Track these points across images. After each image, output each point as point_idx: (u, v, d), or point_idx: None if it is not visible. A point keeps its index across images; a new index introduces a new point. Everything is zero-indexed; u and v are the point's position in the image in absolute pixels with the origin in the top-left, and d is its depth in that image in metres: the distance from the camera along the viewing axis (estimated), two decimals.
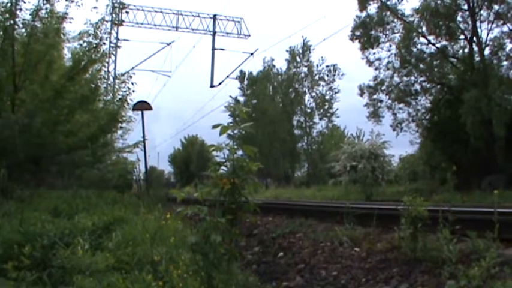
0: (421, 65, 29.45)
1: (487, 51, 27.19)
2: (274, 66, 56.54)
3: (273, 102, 54.89)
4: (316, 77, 54.91)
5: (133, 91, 18.66)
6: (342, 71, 54.21)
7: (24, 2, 14.91)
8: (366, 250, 6.96)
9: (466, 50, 28.69)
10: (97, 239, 6.88)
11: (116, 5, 18.09)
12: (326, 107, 54.89)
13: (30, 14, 15.00)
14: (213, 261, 4.51)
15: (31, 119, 14.49)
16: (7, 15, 14.69)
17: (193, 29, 37.92)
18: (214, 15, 38.39)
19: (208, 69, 38.14)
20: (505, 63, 27.20)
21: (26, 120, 14.25)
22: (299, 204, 17.11)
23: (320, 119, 55.38)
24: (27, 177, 15.88)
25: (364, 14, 30.14)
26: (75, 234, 6.66)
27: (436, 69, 29.63)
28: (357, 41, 30.86)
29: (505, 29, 26.97)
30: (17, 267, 4.93)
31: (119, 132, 22.96)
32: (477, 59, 27.02)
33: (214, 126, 4.92)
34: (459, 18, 28.38)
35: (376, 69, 31.43)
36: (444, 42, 29.16)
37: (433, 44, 29.21)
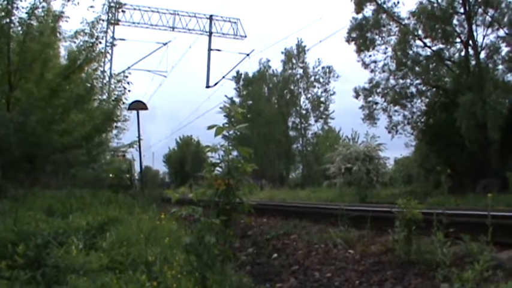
0: (417, 68, 29.54)
1: (482, 55, 27.34)
2: (269, 67, 56.65)
3: (269, 103, 54.94)
4: (312, 79, 55.01)
5: (129, 91, 18.64)
6: (337, 73, 54.38)
7: (21, 1, 14.90)
8: (360, 252, 6.97)
9: (462, 54, 28.78)
10: (91, 239, 6.87)
11: (112, 4, 18.07)
12: (321, 108, 54.98)
13: (26, 13, 14.96)
14: (207, 262, 4.51)
15: (26, 118, 14.45)
16: (3, 14, 14.65)
17: (189, 29, 37.92)
18: (211, 16, 38.39)
19: (204, 69, 38.07)
20: (500, 67, 27.34)
21: (21, 118, 14.21)
22: (293, 205, 17.10)
23: (315, 120, 55.53)
24: (21, 176, 15.85)
25: (360, 16, 30.23)
26: (70, 233, 6.64)
27: (431, 72, 29.71)
28: (353, 43, 30.93)
29: (501, 33, 27.11)
30: (10, 266, 4.92)
31: (114, 131, 22.91)
32: (473, 62, 27.08)
33: (210, 127, 4.93)
34: (455, 22, 28.47)
35: (371, 71, 31.53)
36: (440, 46, 29.25)
37: (429, 47, 29.32)
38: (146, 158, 62.74)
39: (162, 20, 37.30)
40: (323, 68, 54.58)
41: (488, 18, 26.96)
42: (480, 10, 27.14)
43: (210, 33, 38.26)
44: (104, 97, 20.09)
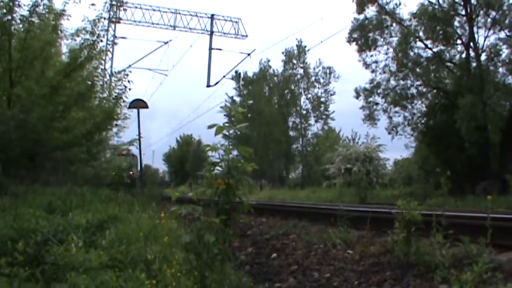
0: (418, 69, 29.48)
1: (483, 57, 27.30)
2: (270, 67, 56.63)
3: (269, 103, 54.94)
4: (312, 79, 55.04)
5: (130, 89, 18.63)
6: (337, 74, 54.43)
7: None
8: (359, 253, 6.97)
9: (463, 56, 28.76)
10: (91, 237, 6.88)
11: (114, 2, 18.07)
12: (322, 109, 55.01)
13: (27, 10, 14.97)
14: (207, 261, 4.52)
15: (27, 115, 14.47)
16: (5, 11, 14.66)
17: (190, 29, 37.91)
18: (212, 15, 38.38)
19: (205, 68, 38.10)
20: (501, 69, 27.29)
21: (22, 115, 14.22)
22: (293, 205, 17.10)
23: (315, 121, 55.56)
24: (22, 173, 15.87)
25: (362, 16, 30.21)
26: (69, 231, 6.66)
27: (432, 74, 29.68)
28: (354, 43, 30.92)
29: (502, 35, 27.07)
30: (10, 263, 4.93)
31: (114, 129, 22.91)
32: (473, 64, 27.06)
33: (210, 127, 4.93)
34: (456, 24, 28.44)
35: (372, 71, 31.46)
36: (441, 47, 29.22)
37: (430, 49, 29.29)
38: (146, 156, 62.90)
39: (163, 18, 37.32)
40: (324, 68, 54.71)
41: (489, 20, 26.94)
42: (481, 12, 27.12)
43: (211, 33, 38.25)
44: (105, 95, 20.06)
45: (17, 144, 14.16)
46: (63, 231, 6.68)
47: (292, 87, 56.03)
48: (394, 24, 30.19)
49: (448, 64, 29.47)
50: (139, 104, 21.76)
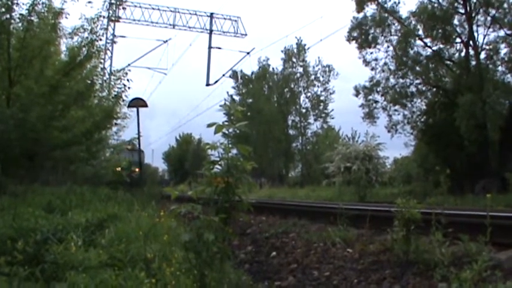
0: (417, 68, 29.47)
1: (482, 55, 27.29)
2: (269, 65, 56.55)
3: (269, 101, 54.84)
4: (312, 78, 54.99)
5: (129, 88, 18.62)
6: (336, 71, 54.35)
7: None
8: (359, 251, 6.97)
9: (462, 54, 28.75)
10: (90, 236, 6.88)
11: (113, 1, 18.06)
12: (321, 107, 54.96)
13: (26, 9, 14.97)
14: (206, 259, 4.52)
15: (26, 114, 14.46)
16: (3, 10, 14.65)
17: (190, 27, 37.92)
18: (211, 14, 38.38)
19: (204, 67, 38.10)
20: (500, 67, 27.29)
21: (21, 114, 14.22)
22: (292, 204, 17.11)
23: (315, 119, 55.49)
24: (21, 172, 15.87)
25: (361, 15, 30.19)
26: (69, 230, 6.66)
27: (432, 72, 29.66)
28: (353, 42, 30.89)
29: (501, 33, 27.06)
30: (9, 263, 4.93)
31: (114, 128, 22.92)
32: (473, 62, 27.06)
33: (209, 125, 4.93)
34: (456, 22, 28.44)
35: (372, 69, 31.42)
36: (440, 45, 29.22)
37: (430, 47, 29.28)
38: (146, 155, 62.79)
39: (162, 17, 37.32)
40: (323, 66, 54.63)
41: (489, 18, 26.94)
42: (481, 10, 27.11)
43: (211, 31, 38.25)
44: (104, 94, 20.07)
45: (16, 143, 14.17)
46: (62, 230, 6.69)
47: (292, 86, 55.92)
48: (394, 22, 30.17)
49: (448, 62, 29.45)
50: (138, 103, 21.77)
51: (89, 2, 16.08)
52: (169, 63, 57.79)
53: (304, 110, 55.66)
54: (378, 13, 29.82)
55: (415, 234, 6.00)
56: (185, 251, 4.70)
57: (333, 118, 55.32)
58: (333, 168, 28.95)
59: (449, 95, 27.60)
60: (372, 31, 30.34)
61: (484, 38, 27.35)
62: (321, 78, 54.71)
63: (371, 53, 31.20)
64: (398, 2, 29.41)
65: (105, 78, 21.19)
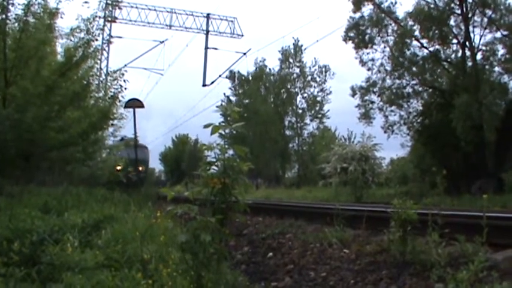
0: (414, 68, 29.55)
1: (479, 56, 27.37)
2: (266, 66, 56.58)
3: (265, 102, 54.87)
4: (309, 78, 55.04)
5: (125, 88, 18.58)
6: (333, 72, 54.43)
7: None
8: (355, 252, 6.97)
9: (459, 55, 28.82)
10: (87, 236, 6.88)
11: (109, 1, 18.02)
12: (317, 108, 55.02)
13: (22, 9, 14.93)
14: (203, 260, 4.52)
15: (22, 115, 14.42)
16: None
17: (186, 28, 37.97)
18: (208, 14, 38.45)
19: (201, 68, 38.15)
20: (496, 68, 27.36)
21: (17, 115, 14.18)
22: (289, 205, 17.10)
23: (311, 120, 55.54)
24: (17, 173, 15.83)
25: (358, 15, 30.25)
26: (65, 231, 6.65)
27: (428, 73, 29.73)
28: (350, 42, 30.94)
29: (498, 34, 27.14)
30: (5, 263, 4.92)
31: (110, 129, 22.87)
32: (469, 63, 27.13)
33: (206, 126, 4.93)
34: (452, 23, 28.53)
35: (368, 69, 31.50)
36: (437, 46, 29.30)
37: (426, 48, 29.35)
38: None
39: (159, 18, 37.38)
40: (320, 67, 54.68)
41: (485, 19, 27.00)
42: (477, 11, 27.17)
43: (207, 32, 38.31)
44: (100, 95, 20.02)
45: (12, 144, 14.13)
46: (58, 231, 6.67)
47: (289, 87, 56.00)
48: (390, 23, 30.23)
49: (444, 63, 29.54)
50: (135, 104, 21.80)
51: (86, 2, 16.07)
52: (165, 64, 57.70)
53: (300, 111, 55.74)
54: (374, 13, 29.88)
55: (412, 234, 6.00)
56: (182, 251, 4.69)
57: (328, 118, 55.52)
58: (330, 168, 28.97)
59: (446, 96, 27.67)
60: (368, 31, 30.41)
61: (480, 39, 27.49)
62: (318, 79, 54.86)
63: (367, 53, 31.32)
64: (395, 2, 29.50)
65: (101, 78, 21.16)
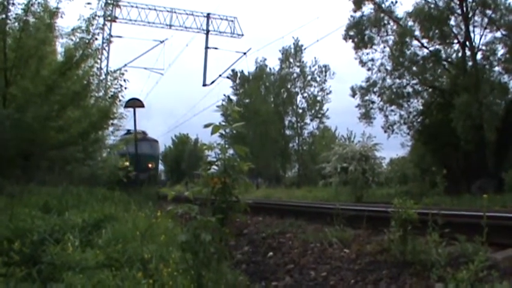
0: (414, 68, 29.55)
1: (479, 56, 27.37)
2: (266, 66, 56.58)
3: (265, 102, 54.85)
4: (309, 78, 55.02)
5: (126, 88, 18.59)
6: (333, 71, 54.43)
7: None
8: (356, 252, 6.97)
9: (459, 54, 28.82)
10: (87, 236, 6.87)
11: (109, 1, 18.02)
12: (317, 107, 55.00)
13: (22, 9, 14.94)
14: (203, 260, 4.52)
15: (22, 114, 14.42)
16: None
17: (186, 27, 37.97)
18: (208, 14, 38.46)
19: (201, 67, 38.17)
20: (496, 68, 27.35)
21: (17, 115, 14.18)
22: (289, 204, 17.09)
23: (311, 119, 55.52)
24: (17, 172, 15.82)
25: (358, 14, 30.26)
26: (65, 230, 6.64)
27: (428, 73, 29.73)
28: (350, 40, 30.94)
29: (498, 34, 27.14)
30: (6, 263, 4.91)
31: (110, 128, 22.87)
32: (469, 63, 27.12)
33: (206, 126, 4.94)
34: (452, 23, 28.54)
35: (368, 70, 31.52)
36: (437, 46, 29.30)
37: (426, 47, 29.34)
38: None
39: (159, 17, 37.38)
40: (320, 67, 54.66)
41: (485, 19, 27.00)
42: (478, 11, 27.16)
43: (207, 32, 38.32)
44: (101, 94, 20.03)
45: (12, 143, 14.13)
46: (59, 230, 6.67)
47: (289, 86, 55.96)
48: (390, 23, 30.24)
49: (444, 63, 29.53)
50: (135, 103, 21.82)
51: (88, 4, 16.09)
52: (166, 64, 57.70)
53: (300, 111, 55.71)
54: (374, 13, 29.88)
55: (412, 234, 6.00)
56: (182, 251, 4.70)
57: (328, 118, 55.45)
58: (330, 168, 28.97)
59: (446, 96, 27.68)
60: (368, 31, 30.40)
61: (480, 39, 27.48)
62: (318, 79, 54.81)
63: (367, 53, 31.30)
64: (396, 2, 29.49)
65: (101, 78, 21.16)
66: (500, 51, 27.25)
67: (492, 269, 4.85)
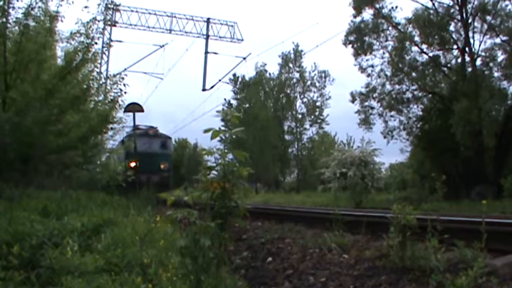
0: (414, 74, 29.56)
1: (479, 62, 27.36)
2: (266, 71, 56.62)
3: (265, 107, 54.88)
4: (308, 83, 55.08)
5: (125, 92, 18.59)
6: (332, 77, 54.50)
7: (17, 1, 14.93)
8: (355, 257, 6.97)
9: (459, 60, 28.83)
10: (86, 240, 6.86)
11: (109, 5, 18.04)
12: (317, 113, 55.06)
13: (22, 13, 14.97)
14: (202, 265, 4.52)
15: (22, 118, 14.44)
16: None
17: (186, 32, 37.95)
18: (208, 19, 38.46)
19: (201, 72, 38.16)
20: (496, 74, 27.35)
21: (17, 119, 14.20)
22: (288, 209, 17.09)
23: (311, 125, 55.58)
24: (16, 176, 15.81)
25: (358, 19, 30.29)
26: (64, 234, 6.63)
27: (428, 78, 29.74)
28: (350, 46, 30.95)
29: (498, 40, 27.16)
30: (5, 267, 4.91)
31: (110, 133, 22.86)
32: (469, 69, 27.12)
33: (206, 131, 4.94)
34: (452, 28, 28.56)
35: (368, 76, 31.51)
36: (437, 52, 29.32)
37: (426, 53, 29.36)
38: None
39: (159, 22, 37.36)
40: (319, 72, 54.74)
41: (485, 25, 27.03)
42: (477, 17, 27.19)
43: (207, 36, 38.31)
44: (100, 98, 20.03)
45: (11, 147, 14.13)
46: (58, 235, 6.66)
47: (288, 91, 56.03)
48: (390, 28, 30.28)
49: (444, 69, 29.54)
50: (134, 108, 21.82)
51: (86, 7, 16.10)
52: (165, 68, 57.71)
53: (300, 116, 55.76)
54: (374, 19, 29.90)
55: (411, 240, 6.00)
56: (181, 256, 4.70)
57: (328, 124, 55.51)
58: (329, 173, 28.90)
59: (446, 101, 27.66)
60: (367, 38, 30.41)
61: (480, 45, 27.47)
62: (317, 84, 54.91)
63: (367, 60, 31.30)
64: (396, 7, 29.52)
65: (101, 82, 21.19)
66: (500, 57, 27.27)
67: (491, 275, 4.85)
